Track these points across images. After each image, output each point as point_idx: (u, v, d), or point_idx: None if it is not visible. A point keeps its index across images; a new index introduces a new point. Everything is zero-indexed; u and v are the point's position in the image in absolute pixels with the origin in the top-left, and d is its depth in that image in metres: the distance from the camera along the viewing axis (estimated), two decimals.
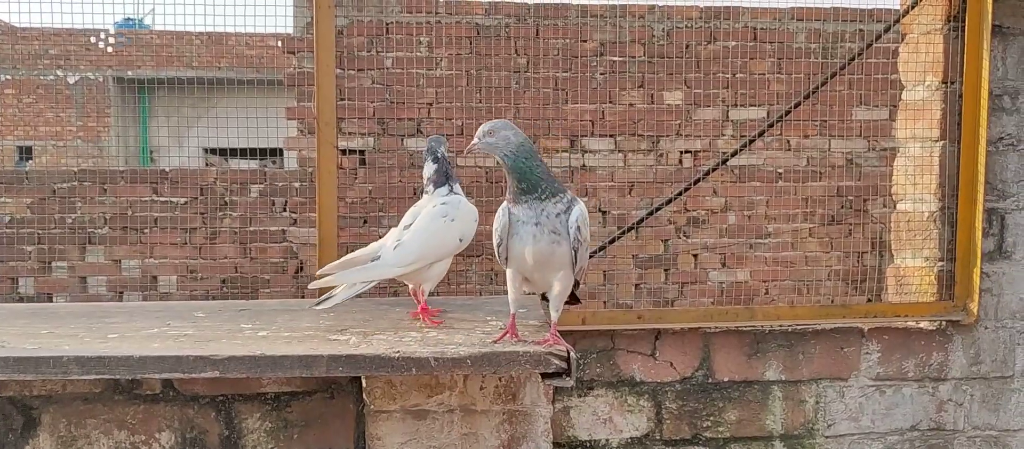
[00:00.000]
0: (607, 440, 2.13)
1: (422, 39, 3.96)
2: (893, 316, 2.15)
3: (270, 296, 3.74)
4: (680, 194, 2.50)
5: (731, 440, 2.14)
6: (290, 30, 4.16)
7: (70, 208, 3.81)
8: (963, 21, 2.14)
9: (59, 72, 8.44)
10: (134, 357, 1.35)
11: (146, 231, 3.83)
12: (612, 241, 2.82)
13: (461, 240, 1.71)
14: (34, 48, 8.06)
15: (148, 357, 1.36)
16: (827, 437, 2.15)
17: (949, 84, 2.18)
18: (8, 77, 8.47)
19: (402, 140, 4.04)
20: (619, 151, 4.27)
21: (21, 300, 3.74)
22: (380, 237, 1.83)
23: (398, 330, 1.64)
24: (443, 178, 1.75)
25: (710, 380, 2.14)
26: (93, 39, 7.95)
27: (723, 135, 4.28)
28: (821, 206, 4.22)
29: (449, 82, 3.91)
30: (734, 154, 2.48)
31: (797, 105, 2.25)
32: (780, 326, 2.13)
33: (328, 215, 1.90)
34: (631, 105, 4.21)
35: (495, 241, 1.50)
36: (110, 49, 8.00)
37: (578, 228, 1.43)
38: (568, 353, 1.45)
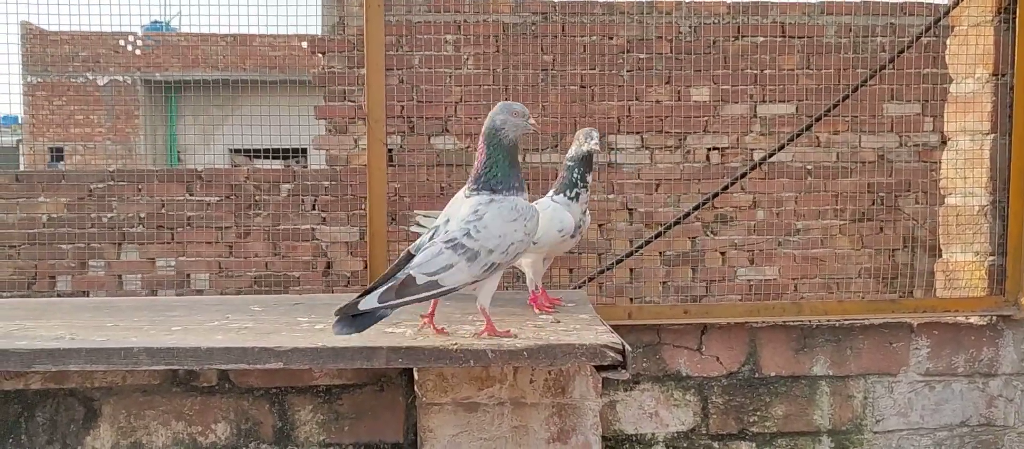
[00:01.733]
0: (653, 434, 2.13)
1: (449, 38, 3.97)
2: (943, 311, 2.13)
3: (300, 293, 3.77)
4: (724, 189, 2.49)
5: (778, 435, 2.13)
6: (315, 30, 4.19)
7: (106, 207, 3.86)
8: (1014, 12, 2.11)
9: (89, 74, 8.59)
10: (202, 348, 1.38)
11: (179, 229, 3.88)
12: (647, 243, 2.80)
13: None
14: (64, 51, 8.21)
15: (215, 348, 1.38)
16: (876, 432, 2.13)
17: (1000, 76, 2.15)
18: (40, 80, 8.64)
19: (429, 138, 4.05)
20: (646, 148, 4.25)
21: (59, 297, 3.80)
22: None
23: (451, 323, 1.65)
24: (561, 182, 1.79)
25: (757, 375, 2.13)
26: (122, 42, 8.08)
27: (751, 132, 4.23)
28: (852, 202, 4.16)
29: (476, 81, 3.92)
30: (778, 151, 2.46)
31: (846, 98, 2.23)
32: (827, 321, 2.11)
33: (378, 210, 1.92)
34: (658, 102, 4.18)
35: None
36: (138, 51, 8.14)
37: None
38: (623, 346, 1.46)
